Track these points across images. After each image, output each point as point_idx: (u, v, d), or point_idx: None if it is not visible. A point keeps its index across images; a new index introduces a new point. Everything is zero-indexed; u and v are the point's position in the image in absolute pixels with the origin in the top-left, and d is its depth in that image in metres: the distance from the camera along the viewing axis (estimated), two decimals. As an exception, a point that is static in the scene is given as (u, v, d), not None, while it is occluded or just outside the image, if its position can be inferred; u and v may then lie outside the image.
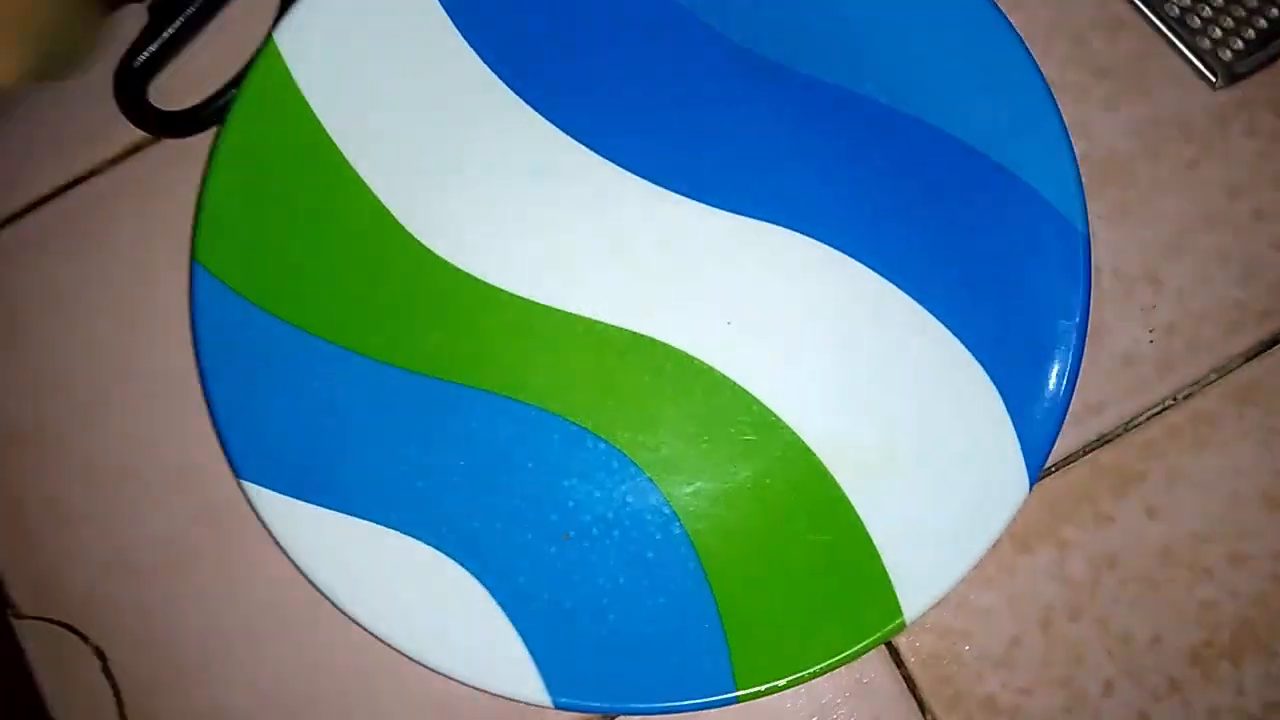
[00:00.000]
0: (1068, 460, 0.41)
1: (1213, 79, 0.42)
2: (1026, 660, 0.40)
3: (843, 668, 0.38)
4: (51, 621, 0.41)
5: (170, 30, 0.42)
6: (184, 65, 0.43)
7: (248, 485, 0.39)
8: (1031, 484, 0.38)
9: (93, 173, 0.43)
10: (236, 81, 0.42)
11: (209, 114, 0.42)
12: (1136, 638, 0.40)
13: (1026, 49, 0.39)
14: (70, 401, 0.42)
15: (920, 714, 0.40)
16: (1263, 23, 0.42)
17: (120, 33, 0.42)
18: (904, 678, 0.40)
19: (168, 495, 0.41)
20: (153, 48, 0.42)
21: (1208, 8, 0.42)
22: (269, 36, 0.40)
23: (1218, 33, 0.42)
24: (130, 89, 0.42)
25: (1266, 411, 0.41)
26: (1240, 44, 0.42)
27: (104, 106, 0.42)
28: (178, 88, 0.42)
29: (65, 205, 0.43)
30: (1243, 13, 0.42)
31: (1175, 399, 0.41)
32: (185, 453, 0.41)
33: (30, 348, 0.42)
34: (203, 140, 0.42)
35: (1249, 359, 0.41)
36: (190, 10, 0.43)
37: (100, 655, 0.41)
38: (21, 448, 0.42)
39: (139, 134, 0.43)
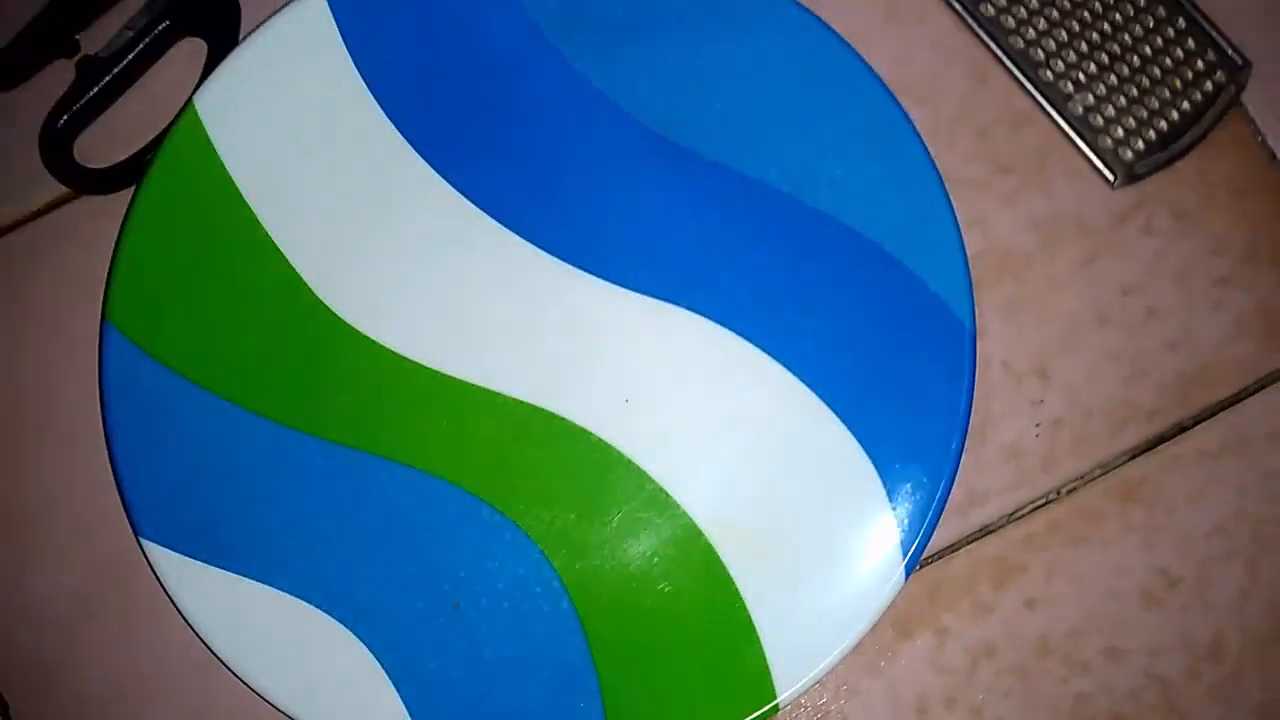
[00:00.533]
0: (950, 549, 0.42)
1: (1112, 178, 0.43)
2: (902, 744, 0.41)
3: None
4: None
5: (96, 89, 0.43)
6: (108, 121, 0.43)
7: (146, 544, 0.39)
8: (907, 574, 0.39)
9: (14, 225, 0.43)
10: (158, 142, 0.42)
11: (131, 172, 0.43)
12: (1010, 726, 0.41)
13: (924, 145, 0.40)
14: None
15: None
16: (1164, 125, 0.43)
17: (46, 88, 0.43)
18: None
19: (72, 547, 0.42)
20: (77, 106, 0.43)
21: (1112, 108, 0.43)
22: (189, 100, 0.40)
23: (1120, 132, 0.43)
24: (54, 145, 0.43)
25: (1149, 510, 0.42)
26: (1141, 145, 0.43)
27: (27, 160, 0.43)
28: (101, 144, 0.43)
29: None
30: (1145, 114, 0.43)
31: (1058, 493, 0.42)
32: (91, 506, 0.42)
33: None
34: (124, 197, 0.42)
35: (1134, 457, 0.42)
36: (116, 69, 0.43)
37: (2, 703, 0.42)
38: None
39: (61, 189, 0.43)
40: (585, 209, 0.42)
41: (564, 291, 0.42)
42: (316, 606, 0.40)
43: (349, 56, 0.42)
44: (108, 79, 0.43)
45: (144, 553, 0.39)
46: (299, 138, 0.42)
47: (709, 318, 0.42)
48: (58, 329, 0.43)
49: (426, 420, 0.42)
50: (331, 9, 0.41)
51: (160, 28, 0.43)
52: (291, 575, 0.40)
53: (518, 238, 0.42)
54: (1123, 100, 0.43)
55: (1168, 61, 0.43)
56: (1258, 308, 0.43)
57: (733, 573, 0.40)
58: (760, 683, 0.39)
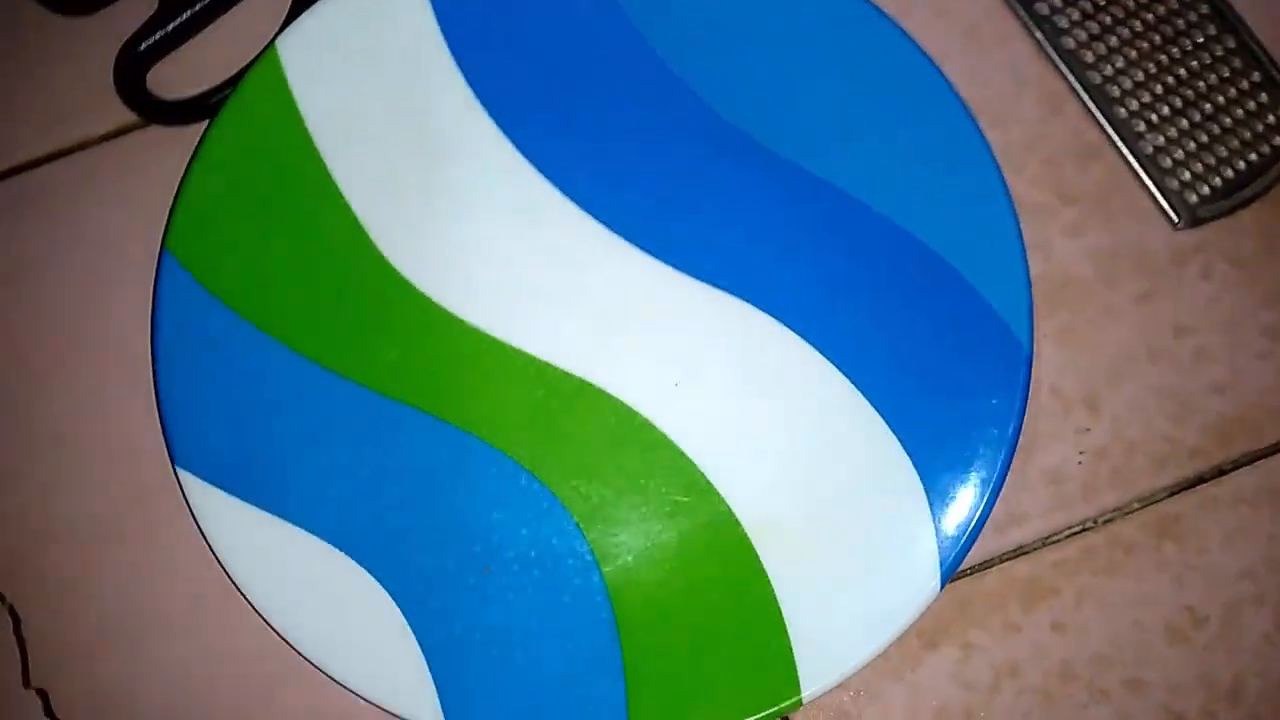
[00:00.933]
0: (984, 565, 0.42)
1: (1176, 219, 0.43)
2: (915, 755, 0.41)
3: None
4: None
5: (178, 20, 0.43)
6: (184, 55, 0.43)
7: (181, 473, 0.39)
8: (942, 586, 0.39)
9: (80, 146, 0.44)
10: (234, 80, 0.42)
11: (203, 107, 0.43)
12: (1026, 749, 0.41)
13: (997, 165, 0.40)
14: (22, 365, 0.42)
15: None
16: (1230, 173, 0.43)
17: (126, 16, 0.43)
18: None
19: (105, 471, 0.42)
20: (157, 36, 0.43)
21: (1181, 150, 0.43)
22: (271, 43, 0.40)
23: (1187, 175, 0.43)
24: (130, 73, 0.43)
25: (1182, 547, 0.42)
26: (1207, 189, 0.43)
27: (101, 83, 0.43)
28: (175, 76, 0.44)
29: (47, 175, 0.44)
30: (1214, 160, 0.43)
31: (1096, 522, 0.42)
32: (128, 432, 0.42)
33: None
34: (191, 131, 0.42)
35: (1173, 494, 0.42)
36: (201, 4, 0.43)
37: (14, 616, 0.41)
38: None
39: (129, 116, 0.43)
40: (653, 191, 0.43)
41: (624, 269, 0.42)
42: (347, 554, 0.40)
43: (434, 18, 0.43)
44: (192, 10, 0.43)
45: (179, 482, 0.39)
46: (376, 92, 0.42)
47: (766, 311, 0.42)
48: (113, 253, 0.43)
49: (474, 381, 0.42)
50: None
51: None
52: (325, 520, 0.40)
53: (583, 212, 0.43)
54: (1193, 144, 0.43)
55: (1240, 112, 0.44)
56: (1304, 361, 0.43)
57: (767, 566, 0.40)
58: (785, 677, 0.39)
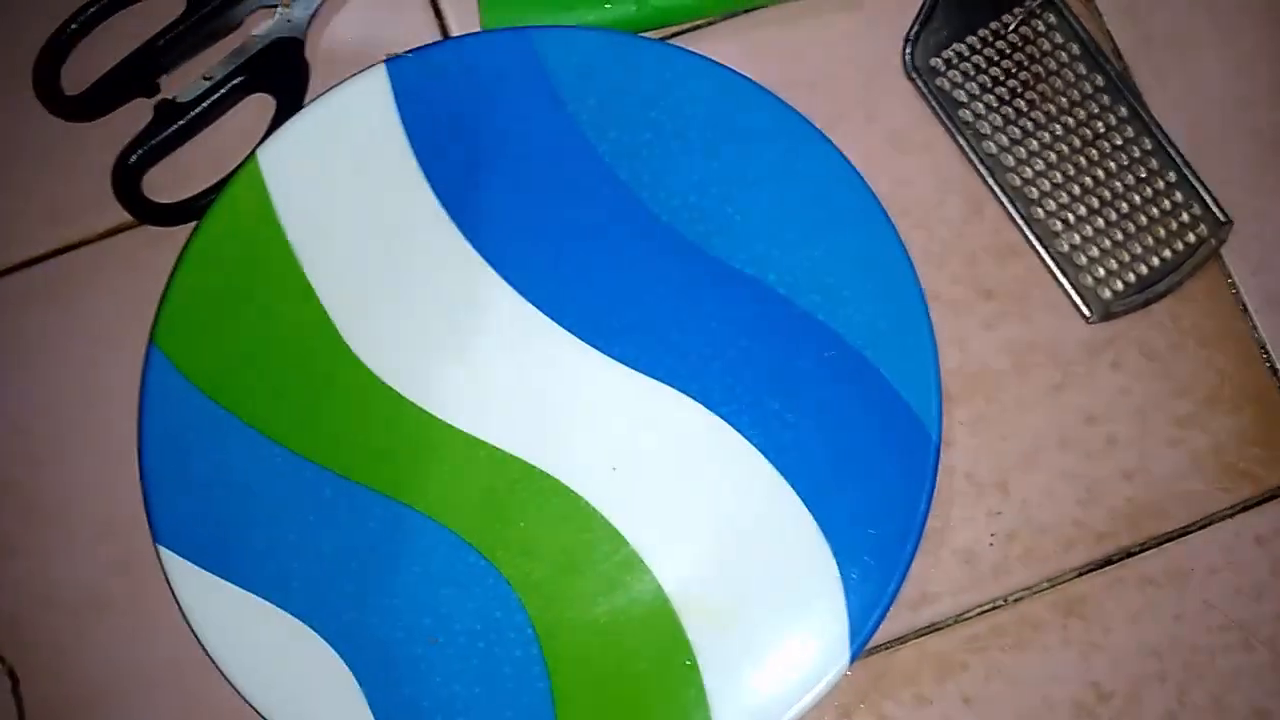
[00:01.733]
0: (899, 640, 0.45)
1: (1089, 313, 0.46)
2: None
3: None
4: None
5: (170, 130, 0.47)
6: (175, 160, 0.48)
7: (161, 549, 0.43)
8: (852, 660, 0.42)
9: (78, 244, 0.48)
10: (220, 185, 0.47)
11: (191, 210, 0.47)
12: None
13: (912, 267, 0.44)
14: (24, 445, 0.47)
15: None
16: (1144, 270, 0.46)
17: (123, 123, 0.48)
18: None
19: (94, 544, 0.46)
20: (151, 144, 0.47)
21: (1095, 248, 0.46)
22: (253, 152, 0.45)
23: (1101, 272, 0.46)
24: (126, 179, 0.47)
25: (1089, 625, 0.45)
26: (1120, 285, 0.46)
27: (99, 185, 0.48)
28: (166, 181, 0.48)
29: (51, 269, 0.48)
30: (1127, 258, 0.46)
31: (1006, 600, 0.45)
32: (116, 509, 0.46)
33: (-1, 391, 0.47)
34: (181, 230, 0.47)
35: (1081, 574, 0.45)
36: (191, 114, 0.47)
37: (12, 677, 0.46)
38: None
39: (125, 217, 0.48)
40: (597, 287, 0.46)
41: (570, 362, 0.46)
42: (309, 625, 0.44)
43: (403, 131, 0.46)
44: (182, 122, 0.47)
45: (159, 558, 0.43)
46: (348, 198, 0.46)
47: (699, 400, 0.46)
48: (106, 343, 0.47)
49: (430, 465, 0.45)
50: (392, 86, 0.46)
51: (235, 81, 0.47)
52: (290, 594, 0.44)
53: (535, 309, 0.46)
54: (1107, 243, 0.46)
55: (1155, 211, 0.47)
56: (1212, 449, 0.46)
57: (692, 640, 0.44)
58: None
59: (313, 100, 0.46)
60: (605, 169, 0.46)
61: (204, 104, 0.48)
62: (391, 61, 0.45)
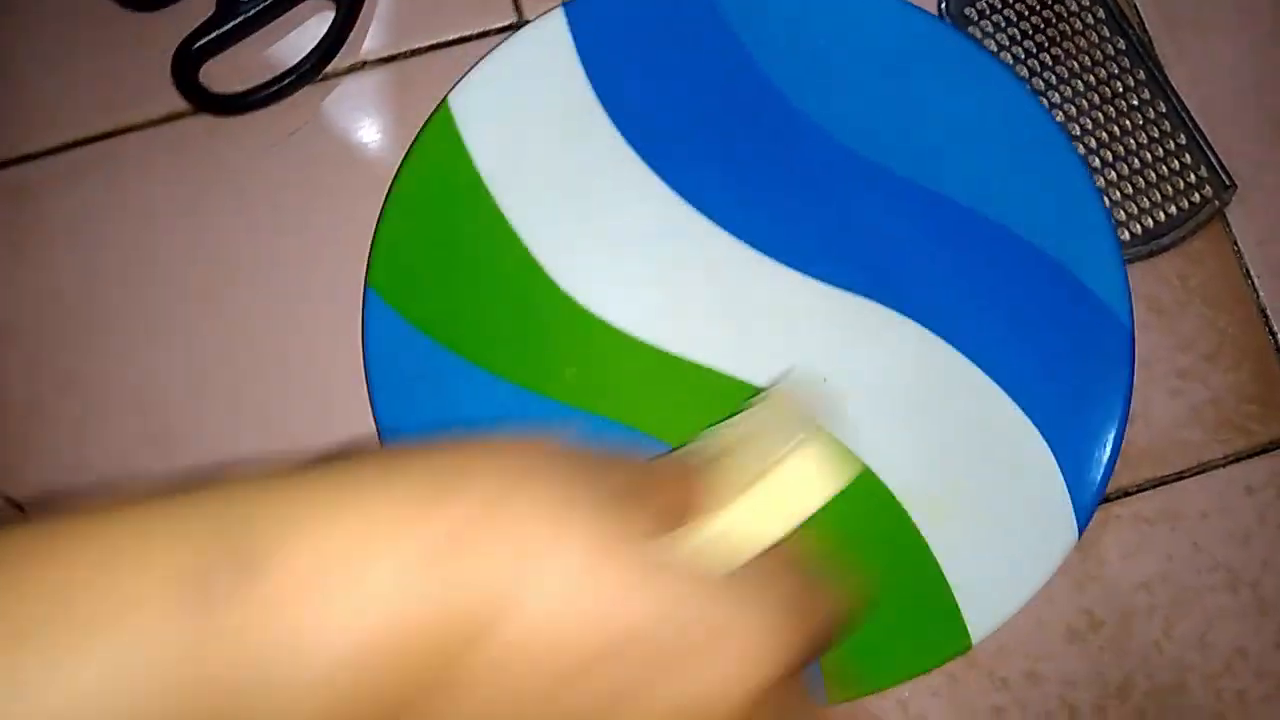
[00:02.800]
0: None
1: None
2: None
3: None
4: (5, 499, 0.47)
5: (232, 23, 0.49)
6: (233, 55, 0.49)
7: None
8: (1079, 535, 0.44)
9: (135, 127, 0.49)
10: (279, 79, 0.48)
11: (246, 102, 0.49)
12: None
13: (1086, 168, 0.46)
14: (69, 315, 0.48)
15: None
16: (1150, 222, 0.49)
17: (185, 15, 0.49)
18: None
19: (123, 416, 0.47)
20: (211, 36, 0.49)
21: (1107, 200, 0.49)
22: (444, 99, 0.46)
23: (1113, 219, 0.49)
24: (185, 67, 0.49)
25: (1085, 557, 0.47)
26: (1127, 235, 0.49)
27: (159, 73, 0.49)
28: (224, 73, 0.49)
29: (107, 149, 0.49)
30: (1135, 210, 0.49)
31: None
32: (144, 379, 0.47)
33: (44, 265, 0.49)
34: (234, 121, 0.49)
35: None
36: (253, 10, 0.49)
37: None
38: (14, 348, 0.48)
39: (181, 104, 0.49)
40: (788, 212, 0.48)
41: (769, 282, 0.48)
42: None
43: (583, 69, 0.48)
44: (243, 17, 0.49)
45: None
46: (537, 137, 0.47)
47: (900, 311, 0.47)
48: (154, 226, 0.48)
49: (644, 388, 0.47)
50: (570, 28, 0.47)
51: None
52: None
53: (728, 234, 0.48)
54: (1118, 194, 0.49)
55: (1164, 169, 0.49)
56: (1210, 402, 0.49)
57: (925, 534, 0.45)
58: (953, 626, 0.44)
59: (495, 47, 0.47)
60: (781, 99, 0.48)
61: (265, 2, 0.49)
62: (569, 4, 0.47)
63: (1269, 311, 0.49)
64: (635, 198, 0.48)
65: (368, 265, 0.45)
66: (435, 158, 0.46)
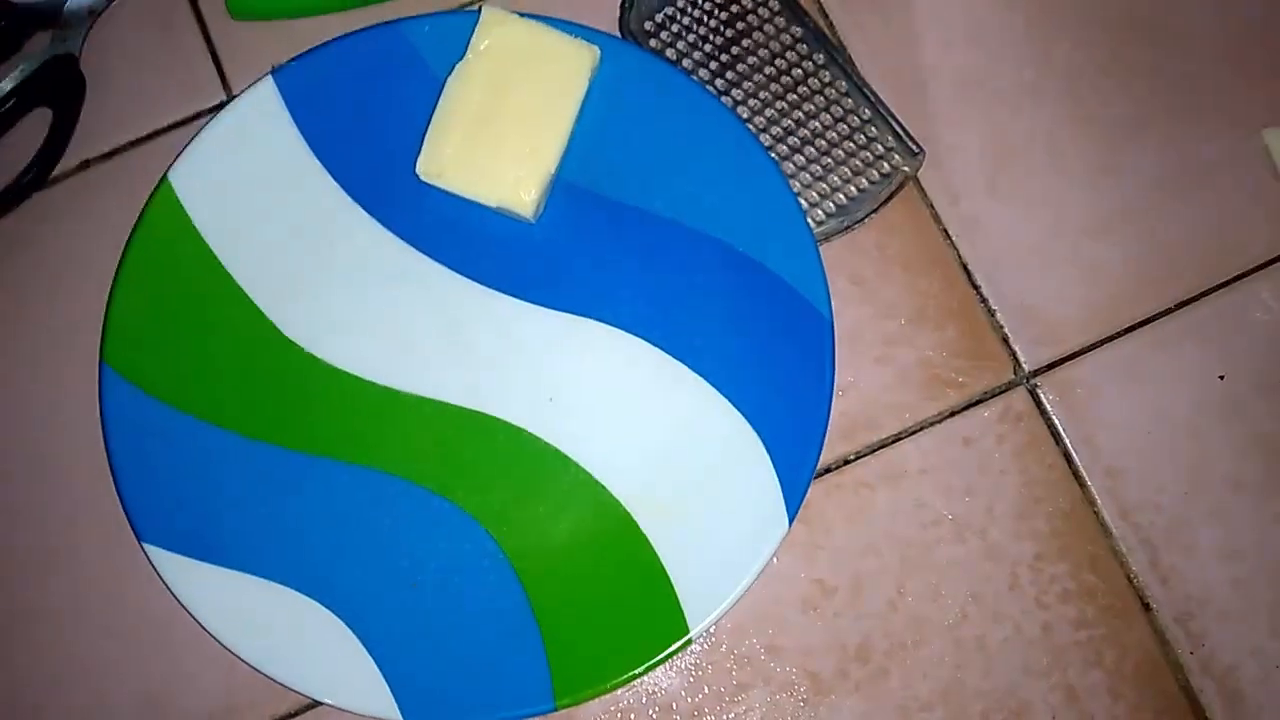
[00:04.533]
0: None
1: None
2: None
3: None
4: None
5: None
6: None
7: (147, 546, 0.47)
8: (790, 523, 0.47)
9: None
10: (6, 191, 0.52)
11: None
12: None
13: (781, 174, 0.49)
14: None
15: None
16: (842, 198, 0.51)
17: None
18: None
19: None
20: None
21: (798, 183, 0.51)
22: (164, 175, 0.49)
23: (804, 204, 0.51)
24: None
25: (811, 529, 0.49)
26: (821, 214, 0.51)
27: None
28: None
29: None
30: (827, 189, 0.51)
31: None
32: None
33: None
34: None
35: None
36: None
37: None
38: None
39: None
40: (502, 242, 0.51)
41: (489, 311, 0.50)
42: (297, 590, 0.48)
43: (296, 129, 0.51)
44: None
45: (146, 555, 0.47)
46: (259, 199, 0.50)
47: (615, 325, 0.50)
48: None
49: (379, 427, 0.50)
50: (281, 92, 0.50)
51: (14, 100, 0.52)
52: (273, 566, 0.48)
53: (449, 270, 0.51)
54: (808, 176, 0.51)
55: (851, 145, 0.51)
56: (919, 362, 0.51)
57: (647, 533, 0.48)
58: (675, 620, 0.47)
59: (212, 118, 0.50)
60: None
61: (-12, 122, 0.52)
62: (277, 71, 0.50)
63: (969, 265, 0.51)
64: (358, 244, 0.51)
65: (102, 341, 0.48)
66: (159, 231, 0.49)
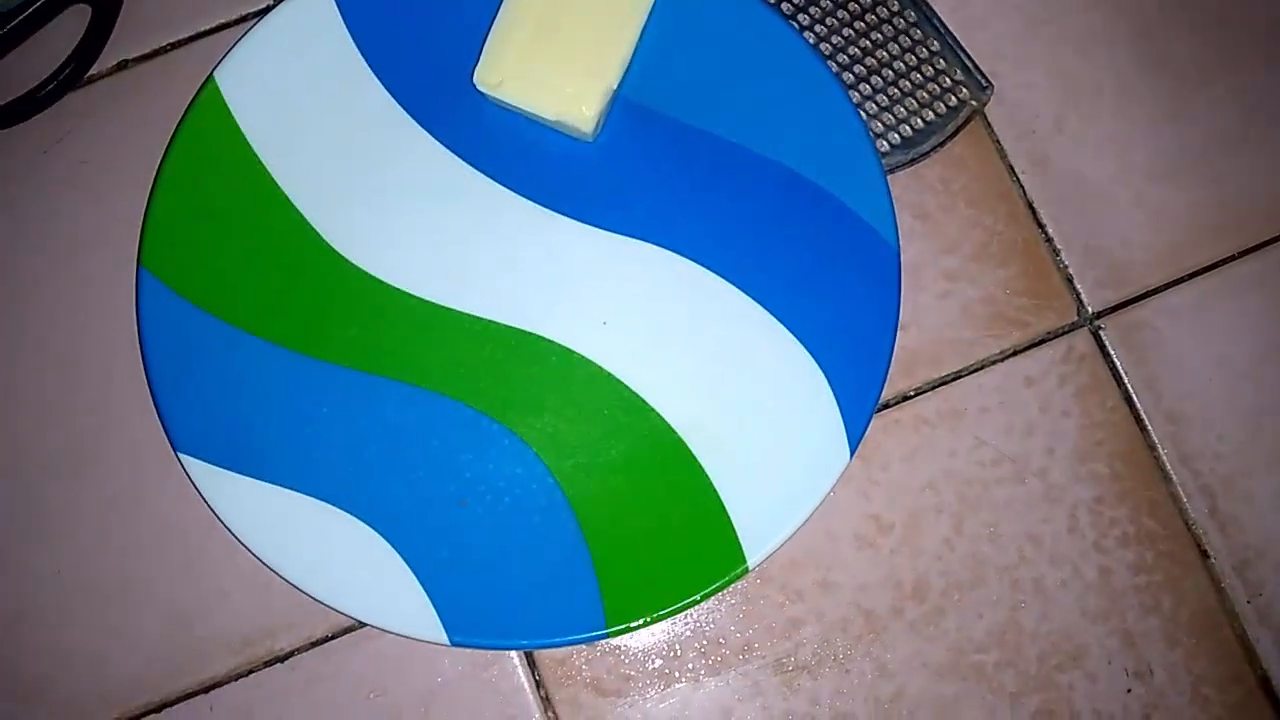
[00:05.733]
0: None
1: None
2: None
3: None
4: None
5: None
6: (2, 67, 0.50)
7: (183, 457, 0.45)
8: (853, 452, 0.45)
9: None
10: (41, 87, 0.49)
11: (16, 113, 0.50)
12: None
13: (849, 99, 0.47)
14: None
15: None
16: (909, 130, 0.50)
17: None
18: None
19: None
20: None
21: (864, 113, 0.49)
22: (210, 74, 0.47)
23: (870, 133, 0.49)
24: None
25: (867, 464, 0.49)
26: (886, 146, 0.50)
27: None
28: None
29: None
30: (893, 119, 0.50)
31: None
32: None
33: None
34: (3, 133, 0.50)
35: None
36: (12, 24, 0.50)
37: None
38: None
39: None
40: (559, 160, 0.49)
41: (543, 231, 0.48)
42: (340, 508, 0.46)
43: (349, 34, 0.49)
44: (3, 32, 0.50)
45: (182, 466, 0.46)
46: (306, 105, 0.48)
47: (672, 250, 0.48)
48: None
49: (428, 345, 0.48)
50: None
51: (46, -2, 0.49)
52: (315, 481, 0.46)
53: (501, 186, 0.49)
54: (874, 107, 0.49)
55: (918, 77, 0.50)
56: (981, 299, 0.49)
57: (702, 461, 0.47)
58: (731, 550, 0.46)
59: (260, 18, 0.48)
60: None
61: (25, 13, 0.50)
62: None
63: (1035, 204, 0.50)
64: (408, 156, 0.49)
65: (140, 245, 0.46)
66: (203, 133, 0.47)
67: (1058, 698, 0.47)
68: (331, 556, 0.45)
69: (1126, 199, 0.50)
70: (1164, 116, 0.51)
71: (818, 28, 0.50)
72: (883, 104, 0.49)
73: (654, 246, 0.48)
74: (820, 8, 0.50)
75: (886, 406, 0.48)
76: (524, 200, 0.49)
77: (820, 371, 0.47)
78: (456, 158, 0.49)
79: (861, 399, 0.46)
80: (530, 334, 0.48)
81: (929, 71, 0.50)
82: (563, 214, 0.49)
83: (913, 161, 0.49)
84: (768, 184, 0.48)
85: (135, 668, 0.47)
